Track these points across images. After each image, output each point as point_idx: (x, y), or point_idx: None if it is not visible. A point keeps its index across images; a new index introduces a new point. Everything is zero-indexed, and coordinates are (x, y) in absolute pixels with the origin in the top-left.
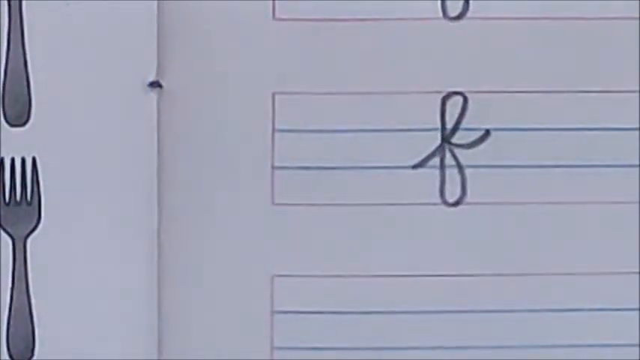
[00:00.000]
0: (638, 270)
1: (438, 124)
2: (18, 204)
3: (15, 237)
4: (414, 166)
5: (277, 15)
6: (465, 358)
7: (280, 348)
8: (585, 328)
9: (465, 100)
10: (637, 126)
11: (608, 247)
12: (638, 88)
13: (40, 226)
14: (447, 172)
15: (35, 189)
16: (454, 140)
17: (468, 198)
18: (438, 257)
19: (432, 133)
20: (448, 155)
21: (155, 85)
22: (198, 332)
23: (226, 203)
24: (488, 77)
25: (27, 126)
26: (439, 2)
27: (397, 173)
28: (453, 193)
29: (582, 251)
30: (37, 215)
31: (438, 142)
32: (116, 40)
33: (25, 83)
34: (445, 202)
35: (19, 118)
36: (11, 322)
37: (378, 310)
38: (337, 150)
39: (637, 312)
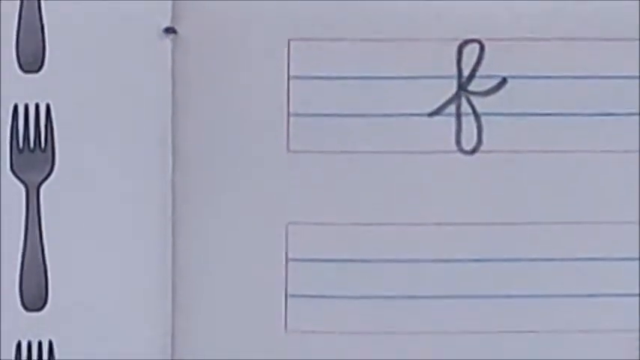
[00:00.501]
0: None
1: (455, 72)
2: (31, 151)
3: (28, 184)
4: (431, 114)
5: None
6: (478, 306)
7: (294, 296)
8: (589, 278)
9: (482, 47)
10: None
11: (623, 195)
12: None
13: (54, 173)
14: (464, 119)
15: (49, 136)
16: (470, 88)
17: (484, 146)
18: (454, 205)
19: (449, 80)
20: (464, 103)
21: (170, 31)
22: (211, 276)
23: (241, 150)
24: (505, 24)
25: (41, 72)
26: None
27: (413, 121)
28: (469, 141)
29: (599, 199)
30: (50, 162)
31: (454, 89)
32: None
33: (39, 29)
34: (461, 150)
35: (33, 64)
36: (24, 271)
37: (393, 257)
38: (353, 97)
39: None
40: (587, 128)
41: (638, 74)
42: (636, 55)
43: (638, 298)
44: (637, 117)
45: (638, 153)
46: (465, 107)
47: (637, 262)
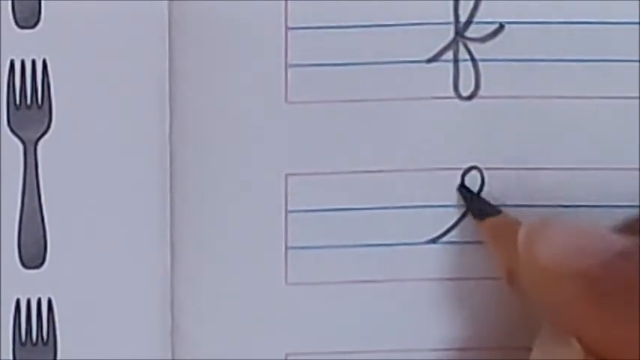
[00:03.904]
0: None
1: (452, 18)
2: (28, 107)
3: (25, 141)
4: (428, 61)
5: None
6: (478, 251)
7: (294, 248)
8: None
9: None
10: None
11: (623, 142)
12: None
13: (51, 129)
14: (461, 66)
15: (45, 92)
16: (468, 34)
17: (482, 92)
18: (452, 151)
19: (446, 27)
20: (462, 49)
21: None
22: (210, 228)
23: (239, 102)
24: None
25: (37, 28)
26: None
27: (411, 68)
28: (466, 87)
29: (597, 146)
30: (47, 118)
31: (452, 36)
32: None
33: None
34: (459, 96)
35: (29, 19)
36: (22, 228)
37: (392, 205)
38: (351, 46)
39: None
40: (585, 74)
41: (638, 20)
42: (636, 0)
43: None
44: (637, 63)
45: (637, 100)
46: (463, 53)
47: (637, 209)
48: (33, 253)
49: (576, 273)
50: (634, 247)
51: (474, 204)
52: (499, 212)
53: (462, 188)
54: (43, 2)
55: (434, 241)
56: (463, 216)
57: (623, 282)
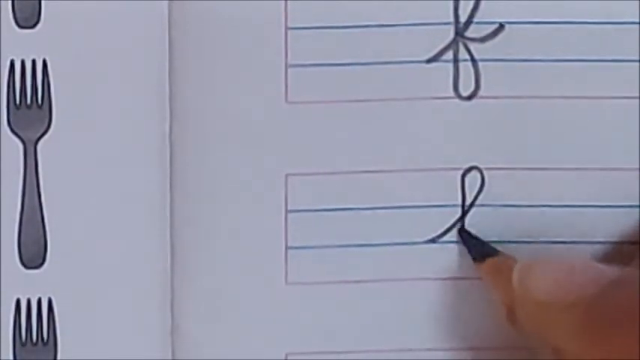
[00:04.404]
0: None
1: (452, 18)
2: (28, 107)
3: (26, 141)
4: (428, 61)
5: None
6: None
7: (294, 247)
8: (588, 226)
9: None
10: None
11: (622, 142)
12: None
13: (51, 129)
14: (461, 66)
15: (46, 91)
16: (468, 34)
17: (482, 92)
18: (452, 151)
19: (446, 27)
20: (462, 49)
21: None
22: (210, 228)
23: (239, 102)
24: None
25: (37, 28)
26: None
27: (411, 68)
28: (466, 87)
29: (597, 146)
30: (47, 118)
31: (452, 36)
32: None
33: None
34: (459, 96)
35: (29, 19)
36: (22, 228)
37: (392, 205)
38: (351, 46)
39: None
40: (585, 74)
41: (638, 20)
42: (636, 1)
43: (638, 246)
44: (637, 63)
45: (637, 100)
46: (463, 53)
47: (637, 209)
48: (33, 253)
49: (571, 304)
50: (626, 276)
51: (473, 245)
52: (496, 252)
53: (462, 231)
54: (43, 2)
55: (434, 241)
56: (463, 216)
57: (618, 310)
